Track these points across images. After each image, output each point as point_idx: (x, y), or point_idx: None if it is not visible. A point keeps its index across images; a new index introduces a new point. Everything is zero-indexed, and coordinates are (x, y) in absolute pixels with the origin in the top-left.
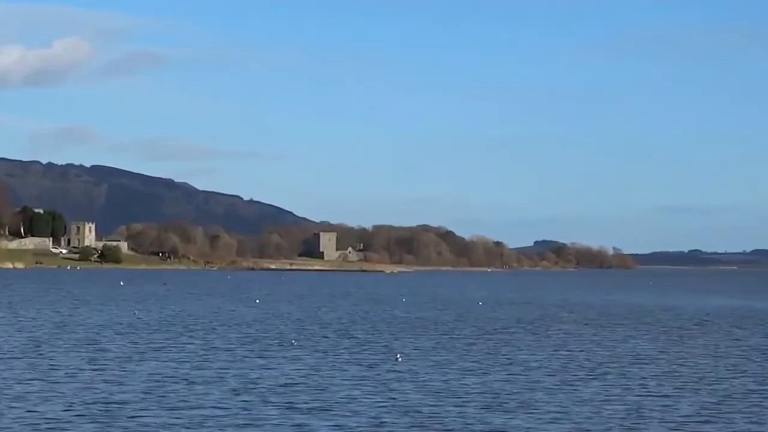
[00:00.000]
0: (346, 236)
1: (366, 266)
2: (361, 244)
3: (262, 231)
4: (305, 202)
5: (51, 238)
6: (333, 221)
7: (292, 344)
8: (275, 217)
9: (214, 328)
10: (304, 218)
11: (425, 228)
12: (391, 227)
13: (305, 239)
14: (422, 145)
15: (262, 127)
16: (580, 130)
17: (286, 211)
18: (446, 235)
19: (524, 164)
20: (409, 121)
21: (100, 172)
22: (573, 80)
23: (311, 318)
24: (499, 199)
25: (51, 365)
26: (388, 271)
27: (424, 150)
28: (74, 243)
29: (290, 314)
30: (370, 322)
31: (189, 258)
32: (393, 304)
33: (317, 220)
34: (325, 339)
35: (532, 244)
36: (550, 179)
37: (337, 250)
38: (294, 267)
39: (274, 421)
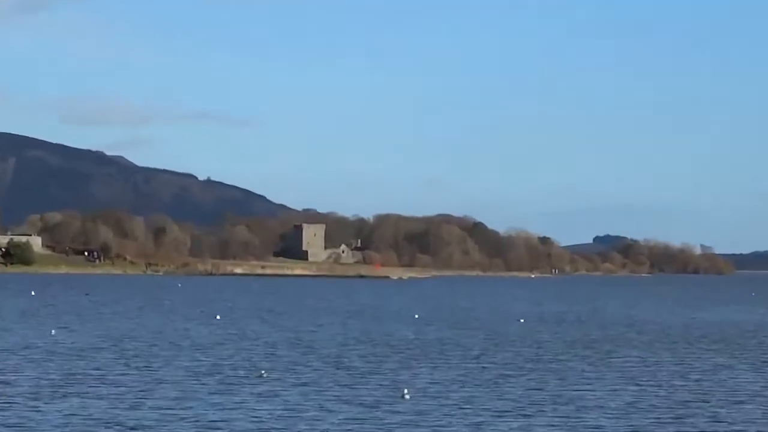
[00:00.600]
0: (339, 230)
1: (366, 270)
2: (359, 241)
3: (225, 222)
4: (283, 184)
5: None
6: (321, 209)
7: (263, 376)
8: (242, 203)
9: (157, 355)
10: (282, 205)
11: (446, 218)
12: (399, 217)
13: (283, 234)
14: (440, 108)
15: (224, 80)
16: (653, 92)
17: (257, 195)
18: (474, 229)
19: (578, 134)
20: (423, 75)
21: (5, 141)
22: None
23: (290, 340)
24: (545, 180)
25: None
26: (395, 277)
27: (442, 114)
28: None
29: (262, 335)
30: (370, 345)
31: (125, 259)
32: (401, 322)
33: (299, 207)
34: (307, 369)
35: (590, 240)
36: (614, 155)
37: (326, 248)
38: (268, 271)
39: None
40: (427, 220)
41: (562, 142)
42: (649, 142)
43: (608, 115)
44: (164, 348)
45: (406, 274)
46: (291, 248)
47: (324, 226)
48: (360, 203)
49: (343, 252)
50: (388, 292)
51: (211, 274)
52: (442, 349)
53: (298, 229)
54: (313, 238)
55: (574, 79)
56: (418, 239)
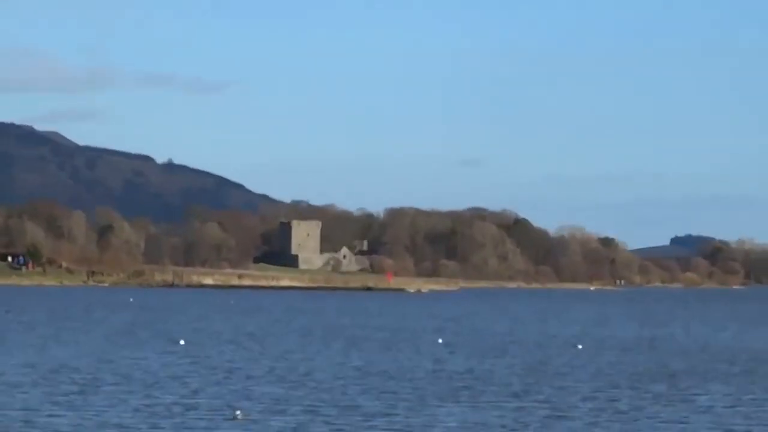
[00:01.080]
0: (339, 228)
1: (374, 281)
2: (365, 243)
3: (191, 218)
4: (266, 169)
5: None
6: (315, 201)
7: (238, 418)
8: (213, 194)
9: (101, 391)
10: (264, 196)
11: (479, 213)
12: (417, 212)
13: (266, 233)
14: (475, 77)
15: (190, 33)
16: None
17: (233, 183)
18: (516, 227)
19: (646, 110)
20: (456, 38)
21: None
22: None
23: (273, 372)
24: (606, 166)
25: None
26: (412, 290)
27: (478, 84)
28: None
29: (237, 366)
30: (377, 379)
31: (61, 265)
32: (419, 349)
33: (286, 199)
34: (295, 409)
35: (667, 242)
36: (696, 133)
37: (322, 251)
38: (246, 282)
39: None
40: (455, 216)
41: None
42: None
43: (685, 85)
44: (110, 382)
45: (427, 285)
46: (277, 252)
47: (319, 223)
48: (367, 194)
49: (344, 257)
50: (402, 310)
51: (172, 285)
52: (472, 384)
53: (286, 228)
54: (305, 239)
55: (640, 49)
56: (442, 241)
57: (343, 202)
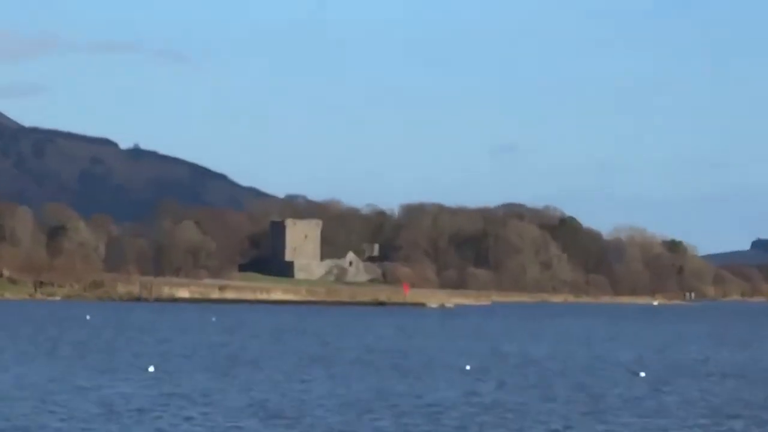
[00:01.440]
0: (345, 229)
1: (387, 293)
2: (377, 247)
3: (162, 216)
4: (254, 156)
5: None
6: (315, 196)
7: None
8: (189, 186)
9: (48, 425)
10: (252, 189)
11: (515, 211)
12: (441, 210)
13: (255, 235)
14: (497, 41)
15: None
16: None
17: (213, 173)
18: (562, 228)
19: (719, 87)
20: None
21: None
22: None
23: (262, 405)
24: (671, 149)
25: None
26: (434, 305)
27: (502, 51)
28: None
29: (217, 398)
30: (390, 413)
31: (2, 274)
32: (442, 376)
33: (279, 193)
34: None
35: (747, 247)
36: None
37: (323, 258)
38: (230, 295)
39: None
40: (486, 214)
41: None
42: None
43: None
44: (63, 417)
45: (452, 299)
46: (267, 258)
47: (320, 223)
48: (378, 187)
49: (350, 265)
50: (421, 329)
51: (139, 299)
52: (504, 419)
53: (279, 228)
54: (302, 242)
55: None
56: (470, 244)
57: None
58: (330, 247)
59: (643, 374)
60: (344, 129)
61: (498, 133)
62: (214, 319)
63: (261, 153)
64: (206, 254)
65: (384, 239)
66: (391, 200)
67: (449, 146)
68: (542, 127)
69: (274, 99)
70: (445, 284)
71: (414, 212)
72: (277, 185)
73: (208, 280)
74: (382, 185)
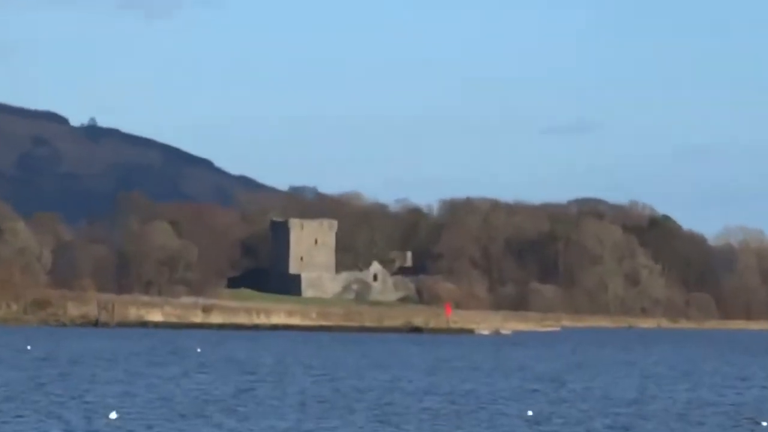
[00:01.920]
0: (368, 232)
1: (424, 316)
2: (410, 255)
3: (126, 215)
4: (246, 137)
5: None
6: (328, 189)
7: None
8: (162, 175)
9: None
10: (245, 179)
11: (592, 208)
12: (494, 206)
13: (250, 239)
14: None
15: None
16: None
17: (194, 158)
18: (652, 230)
19: None
20: None
21: None
22: None
23: None
24: None
25: None
26: (486, 331)
27: (572, 13)
28: None
29: None
30: None
31: None
32: (496, 426)
33: (282, 185)
34: None
35: None
36: None
37: (339, 269)
38: (216, 319)
39: None
40: (554, 212)
41: None
42: None
43: None
44: None
45: (509, 324)
46: (265, 271)
47: (335, 223)
48: (412, 177)
49: (375, 279)
50: (469, 363)
51: (97, 323)
52: None
53: (281, 231)
54: (312, 249)
55: None
56: (533, 252)
57: (372, 190)
58: (348, 256)
59: (765, 424)
60: (366, 100)
61: (568, 109)
62: (199, 349)
63: (256, 132)
64: (185, 265)
65: (419, 245)
66: (429, 194)
67: (504, 127)
68: (624, 103)
69: (271, 60)
70: (499, 304)
71: (459, 209)
72: (277, 174)
73: (187, 299)
74: (416, 174)
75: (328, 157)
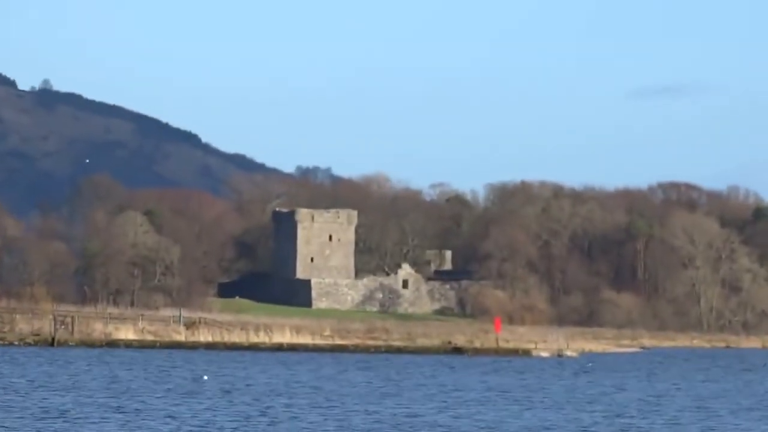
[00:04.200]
0: (396, 226)
1: (468, 333)
2: (449, 254)
3: (89, 201)
4: (241, 106)
5: None
6: (344, 171)
7: None
8: (137, 153)
9: None
10: (240, 157)
11: (679, 195)
12: (557, 190)
13: (245, 234)
14: None
15: None
16: None
17: (175, 131)
18: (756, 225)
19: None
20: None
21: None
22: None
23: None
24: None
25: None
26: (546, 353)
27: None
28: None
29: None
30: None
31: None
32: None
33: (286, 166)
34: None
35: None
36: None
37: (360, 273)
38: (204, 338)
39: None
40: (632, 200)
41: None
42: None
43: None
44: None
45: (576, 343)
46: (265, 275)
47: (354, 216)
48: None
49: (405, 285)
50: (527, 393)
51: (53, 343)
52: None
53: (286, 225)
54: (324, 247)
55: None
56: (607, 251)
57: (401, 172)
58: (372, 256)
59: None
60: (391, 57)
61: (648, 68)
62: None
63: (255, 98)
64: (165, 267)
65: (462, 242)
66: (473, 177)
67: (571, 92)
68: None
69: (276, 8)
70: (564, 317)
71: (511, 196)
72: (282, 152)
73: (167, 311)
74: (456, 152)
75: (346, 131)
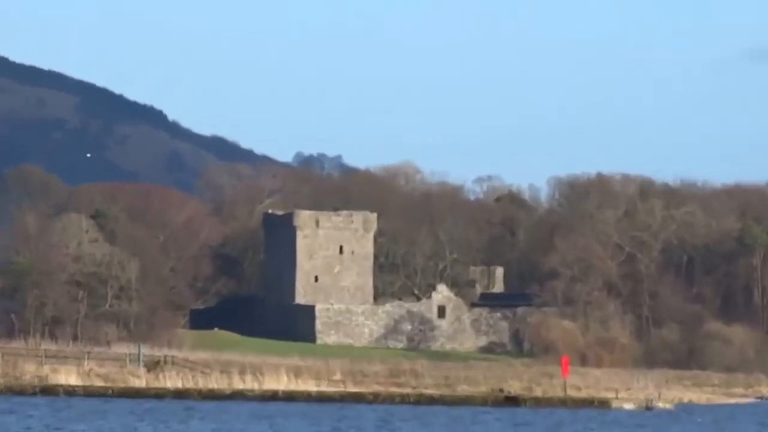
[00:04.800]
0: (429, 234)
1: (525, 377)
2: (500, 273)
3: (14, 197)
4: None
5: None
6: (357, 160)
7: None
8: (80, 133)
9: None
10: (219, 140)
11: None
12: (648, 185)
13: (225, 245)
14: None
15: None
16: None
17: (132, 105)
18: None
19: None
20: None
21: None
22: None
23: None
24: None
25: None
26: (629, 405)
27: None
28: None
29: None
30: None
31: None
32: None
33: (282, 155)
34: None
35: None
36: None
37: (381, 298)
38: (173, 384)
39: None
40: (745, 199)
41: None
42: None
43: None
44: None
45: (669, 391)
46: (255, 299)
47: (374, 220)
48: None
49: (442, 314)
50: None
51: None
52: None
53: (281, 231)
54: (333, 261)
55: None
56: (709, 268)
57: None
58: (397, 275)
59: None
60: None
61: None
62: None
63: (237, 63)
64: (118, 289)
65: (517, 256)
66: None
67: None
68: None
69: None
70: (654, 357)
71: (584, 195)
72: (274, 136)
73: (122, 348)
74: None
75: (360, 108)
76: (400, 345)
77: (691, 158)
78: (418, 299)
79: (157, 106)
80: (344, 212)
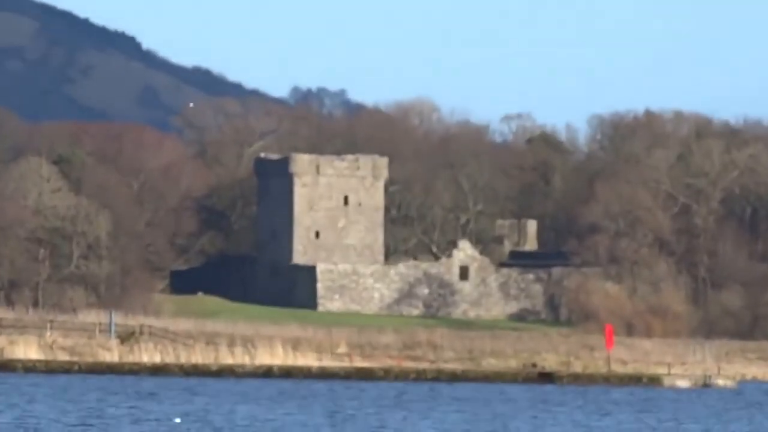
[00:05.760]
0: (449, 182)
1: (562, 348)
2: (533, 226)
3: None
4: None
5: None
6: (363, 96)
7: None
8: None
9: None
10: (202, 71)
11: None
12: (705, 125)
13: (212, 195)
14: None
15: None
16: None
17: (103, 31)
18: None
19: None
20: None
21: None
22: None
23: None
24: None
25: None
26: (685, 382)
27: None
28: None
29: None
30: None
31: None
32: None
33: (277, 89)
34: None
35: None
36: None
37: (392, 257)
38: (150, 359)
39: None
40: None
41: None
42: None
43: None
44: None
45: (730, 366)
46: (246, 259)
47: (385, 164)
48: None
49: (465, 275)
50: None
51: None
52: None
53: (276, 179)
54: (337, 214)
55: None
56: None
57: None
58: (411, 230)
59: None
60: None
61: None
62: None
63: None
64: (86, 247)
65: (553, 208)
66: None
67: None
68: None
69: None
70: (714, 326)
71: (630, 136)
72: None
73: (91, 316)
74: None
75: (367, 35)
76: (416, 312)
77: (755, 94)
78: (437, 258)
79: (129, 32)
80: (349, 156)
